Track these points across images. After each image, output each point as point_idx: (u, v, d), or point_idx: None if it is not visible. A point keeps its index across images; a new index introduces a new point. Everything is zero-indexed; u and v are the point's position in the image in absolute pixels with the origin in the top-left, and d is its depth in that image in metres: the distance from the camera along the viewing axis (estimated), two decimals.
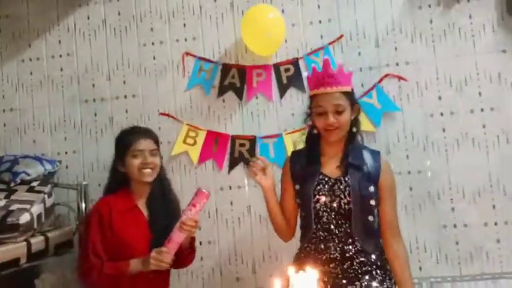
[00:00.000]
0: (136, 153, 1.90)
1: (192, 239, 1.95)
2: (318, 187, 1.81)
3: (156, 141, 2.00)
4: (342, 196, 1.79)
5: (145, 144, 1.93)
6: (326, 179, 1.82)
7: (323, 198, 1.81)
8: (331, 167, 1.85)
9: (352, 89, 1.85)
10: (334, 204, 1.79)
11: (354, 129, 1.85)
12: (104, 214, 1.87)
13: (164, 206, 1.94)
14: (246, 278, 2.51)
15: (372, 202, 1.78)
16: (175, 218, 1.85)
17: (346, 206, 1.78)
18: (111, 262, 1.83)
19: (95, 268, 1.81)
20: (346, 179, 1.80)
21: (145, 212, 1.93)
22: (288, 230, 1.94)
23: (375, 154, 1.88)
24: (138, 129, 2.02)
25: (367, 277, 1.78)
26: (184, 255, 1.91)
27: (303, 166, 1.88)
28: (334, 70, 1.78)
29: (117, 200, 1.91)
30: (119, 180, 1.95)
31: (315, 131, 1.88)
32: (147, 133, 1.99)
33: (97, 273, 1.80)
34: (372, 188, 1.78)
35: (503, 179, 2.38)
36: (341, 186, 1.79)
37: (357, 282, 1.77)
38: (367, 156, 1.85)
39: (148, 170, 1.91)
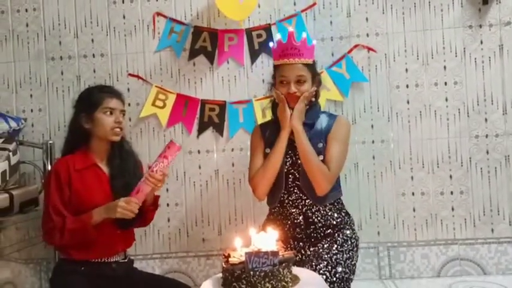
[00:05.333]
0: (108, 110, 1.90)
1: (156, 198, 1.98)
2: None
3: (124, 103, 2.01)
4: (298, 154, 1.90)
5: (117, 103, 1.94)
6: (290, 142, 1.92)
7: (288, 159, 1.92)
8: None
9: (314, 61, 1.94)
10: (295, 162, 1.91)
11: (313, 99, 1.96)
12: (61, 173, 1.86)
13: (125, 166, 1.94)
14: (211, 239, 2.58)
15: (320, 157, 1.88)
16: (136, 178, 1.87)
17: (299, 162, 1.89)
18: (72, 216, 1.82)
19: (58, 226, 1.80)
20: None
21: (106, 170, 1.94)
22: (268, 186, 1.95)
23: (333, 116, 1.99)
24: (109, 88, 2.01)
25: (328, 239, 1.89)
26: (146, 212, 1.93)
27: (273, 132, 1.96)
28: (298, 42, 1.87)
29: (76, 159, 1.90)
30: (80, 137, 1.92)
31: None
32: (118, 93, 1.99)
33: (60, 231, 1.79)
34: (320, 145, 1.89)
35: (461, 150, 2.49)
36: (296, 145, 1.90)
37: (319, 245, 1.88)
38: (324, 118, 1.97)
39: (119, 130, 1.92)
